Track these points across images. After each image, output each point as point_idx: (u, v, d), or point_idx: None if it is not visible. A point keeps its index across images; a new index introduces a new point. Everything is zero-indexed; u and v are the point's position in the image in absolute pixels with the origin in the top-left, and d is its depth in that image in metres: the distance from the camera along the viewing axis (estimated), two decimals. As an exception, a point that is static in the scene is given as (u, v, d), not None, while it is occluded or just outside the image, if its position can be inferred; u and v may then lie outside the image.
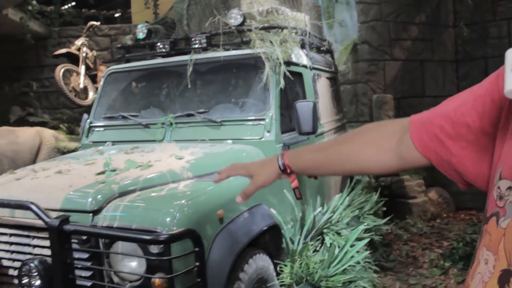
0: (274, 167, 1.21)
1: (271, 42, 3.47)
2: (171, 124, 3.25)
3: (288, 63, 3.38)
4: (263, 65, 3.28)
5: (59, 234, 1.95)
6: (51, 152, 6.13)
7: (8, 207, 2.16)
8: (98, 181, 2.25)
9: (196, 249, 1.89)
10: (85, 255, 2.06)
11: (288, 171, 1.19)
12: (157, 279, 1.90)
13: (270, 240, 2.76)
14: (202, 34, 3.62)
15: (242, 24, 3.54)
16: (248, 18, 3.63)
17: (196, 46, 3.57)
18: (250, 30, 3.53)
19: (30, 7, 8.26)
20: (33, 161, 5.98)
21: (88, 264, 2.04)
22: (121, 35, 8.97)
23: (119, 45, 4.09)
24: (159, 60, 3.68)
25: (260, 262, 2.50)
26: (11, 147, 5.82)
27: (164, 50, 3.70)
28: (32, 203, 2.04)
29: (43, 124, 7.74)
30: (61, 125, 7.82)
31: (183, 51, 3.65)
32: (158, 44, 3.73)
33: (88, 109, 7.27)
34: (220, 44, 3.55)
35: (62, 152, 6.03)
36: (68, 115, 8.62)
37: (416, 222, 5.70)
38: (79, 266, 2.06)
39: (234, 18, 3.56)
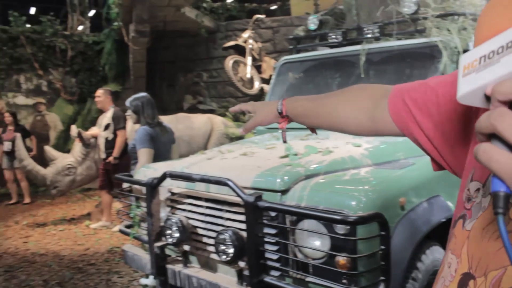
0: (273, 108, 1.29)
1: (448, 30, 3.35)
2: (344, 112, 3.32)
3: (466, 51, 3.23)
4: (439, 54, 3.18)
5: (254, 209, 2.15)
6: (220, 137, 6.64)
7: (208, 182, 2.43)
8: (284, 163, 2.42)
9: (383, 232, 1.95)
10: (273, 231, 2.23)
11: (283, 114, 1.26)
12: (341, 259, 2.00)
13: (445, 233, 2.70)
14: (374, 24, 3.63)
15: (416, 12, 3.47)
16: (422, 5, 3.54)
17: (369, 36, 3.59)
18: (425, 18, 3.44)
19: (204, 4, 9.00)
20: (205, 145, 6.55)
21: (276, 239, 2.22)
22: (283, 26, 9.30)
23: (291, 36, 4.27)
24: (332, 50, 3.76)
25: (436, 254, 2.46)
26: (187, 132, 6.44)
27: (336, 40, 3.79)
28: (229, 180, 2.26)
29: (211, 111, 8.41)
30: (227, 113, 8.41)
31: (355, 41, 3.70)
32: (330, 34, 3.83)
33: (253, 97, 7.70)
34: (393, 34, 3.52)
35: (230, 138, 6.50)
36: (233, 104, 9.21)
37: None
38: (268, 240, 2.24)
39: (407, 6, 3.51)
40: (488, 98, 0.58)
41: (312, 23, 4.04)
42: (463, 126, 0.85)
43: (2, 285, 4.37)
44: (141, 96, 4.22)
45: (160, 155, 3.86)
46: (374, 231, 1.97)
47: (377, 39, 3.56)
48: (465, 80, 0.61)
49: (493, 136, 0.55)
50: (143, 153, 3.81)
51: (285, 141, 1.42)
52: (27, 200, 8.35)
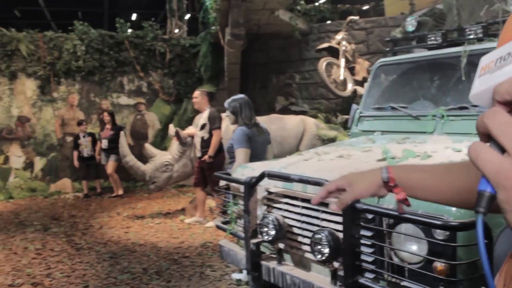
0: (375, 179, 1.15)
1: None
2: (443, 116, 3.25)
3: None
4: (551, 56, 3.00)
5: (352, 211, 2.18)
6: (312, 139, 6.68)
7: (306, 183, 2.50)
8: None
9: (485, 241, 1.89)
10: (369, 233, 2.25)
11: (392, 184, 1.13)
12: (439, 264, 1.97)
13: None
14: (477, 24, 3.50)
15: (525, 10, 3.31)
16: (532, 3, 3.36)
17: (471, 37, 3.47)
18: (536, 17, 3.27)
19: (298, 7, 9.09)
20: (297, 146, 6.62)
21: (372, 241, 2.23)
22: (377, 27, 9.14)
23: (387, 38, 4.22)
24: (431, 52, 3.68)
25: (543, 266, 2.34)
26: (280, 132, 6.54)
27: (435, 42, 3.69)
28: (328, 181, 2.30)
29: (302, 113, 8.46)
30: (318, 114, 8.42)
31: (455, 43, 3.58)
32: (429, 36, 3.74)
33: (346, 99, 7.67)
34: (498, 34, 3.37)
35: (322, 139, 6.52)
36: (325, 105, 9.20)
37: None
38: (363, 242, 2.26)
39: (516, 4, 3.35)
40: None
41: (410, 24, 3.96)
42: None
43: (108, 269, 4.75)
44: (239, 98, 4.37)
45: (256, 155, 3.97)
46: (475, 238, 1.92)
47: (480, 40, 3.43)
48: (479, 81, 0.61)
49: (490, 137, 0.56)
50: (241, 153, 3.94)
51: (402, 213, 1.32)
52: (120, 191, 8.93)
